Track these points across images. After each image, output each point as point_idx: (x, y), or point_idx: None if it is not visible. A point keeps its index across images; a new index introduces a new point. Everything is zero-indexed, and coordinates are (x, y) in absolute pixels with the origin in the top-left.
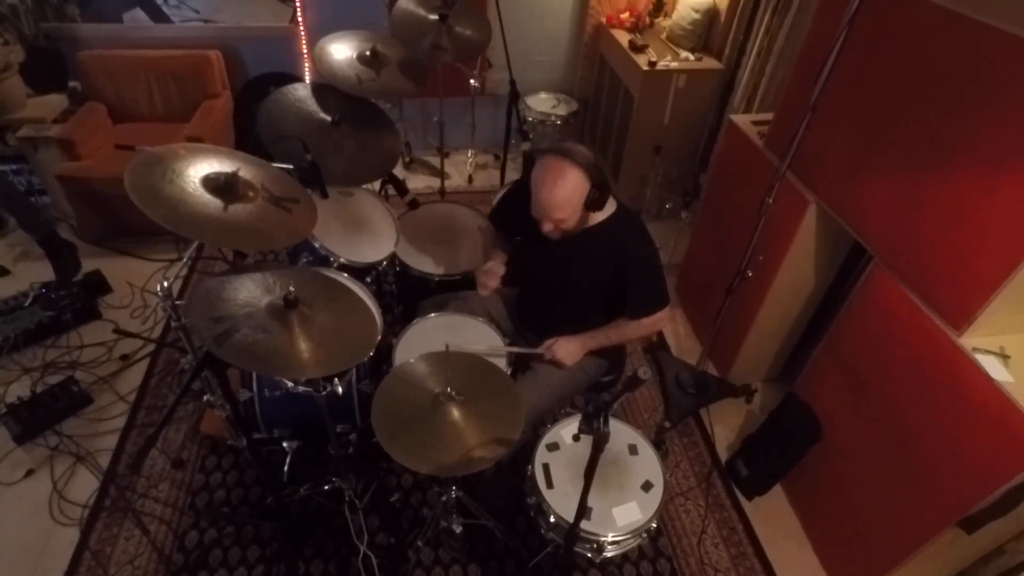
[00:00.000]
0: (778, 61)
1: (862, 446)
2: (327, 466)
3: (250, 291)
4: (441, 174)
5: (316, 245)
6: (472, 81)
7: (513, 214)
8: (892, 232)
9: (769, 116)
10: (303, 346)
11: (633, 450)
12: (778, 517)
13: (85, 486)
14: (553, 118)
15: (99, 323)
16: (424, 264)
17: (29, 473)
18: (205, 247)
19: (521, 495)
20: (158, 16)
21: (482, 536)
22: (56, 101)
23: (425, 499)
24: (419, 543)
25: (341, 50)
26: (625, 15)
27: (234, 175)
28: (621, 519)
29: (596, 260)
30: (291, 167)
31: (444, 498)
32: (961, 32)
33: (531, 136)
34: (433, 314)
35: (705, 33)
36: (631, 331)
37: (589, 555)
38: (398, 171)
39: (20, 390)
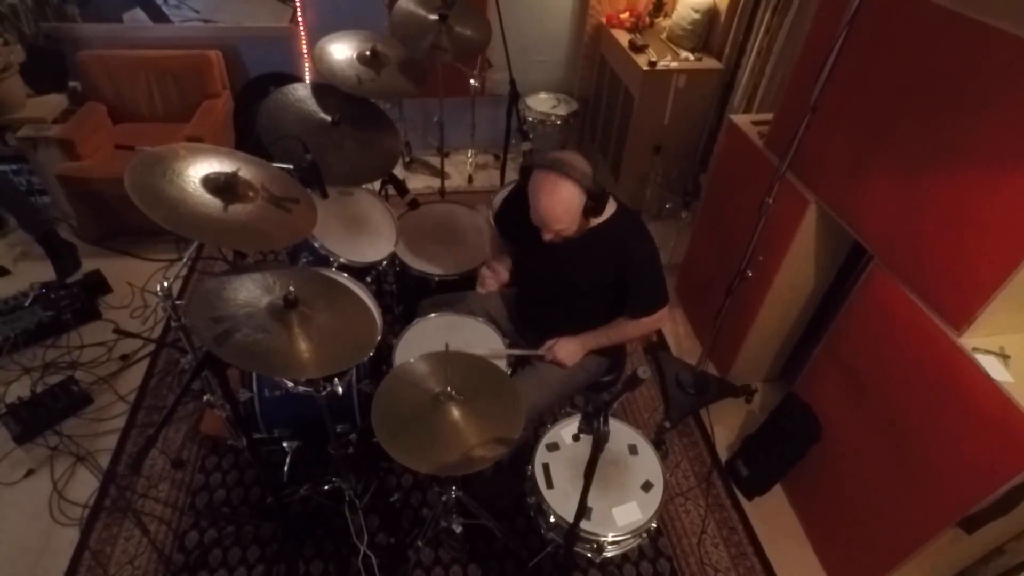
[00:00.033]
0: (778, 61)
1: (862, 446)
2: (327, 466)
3: (250, 291)
4: (441, 174)
5: (316, 245)
6: (472, 81)
7: (514, 220)
8: (892, 232)
9: (769, 116)
10: (303, 346)
11: (633, 450)
12: (778, 517)
13: (85, 486)
14: (553, 118)
15: (99, 323)
16: (424, 264)
17: (29, 473)
18: (205, 247)
19: (521, 495)
20: (158, 16)
21: (482, 536)
22: (56, 101)
23: (425, 499)
24: (419, 543)
25: (341, 50)
26: (625, 15)
27: (234, 175)
28: (621, 519)
29: (597, 260)
30: (291, 167)
31: (444, 498)
32: (962, 32)
33: (531, 136)
34: (433, 314)
35: (705, 33)
36: (631, 330)
37: (589, 555)
38: (398, 171)
39: (20, 390)
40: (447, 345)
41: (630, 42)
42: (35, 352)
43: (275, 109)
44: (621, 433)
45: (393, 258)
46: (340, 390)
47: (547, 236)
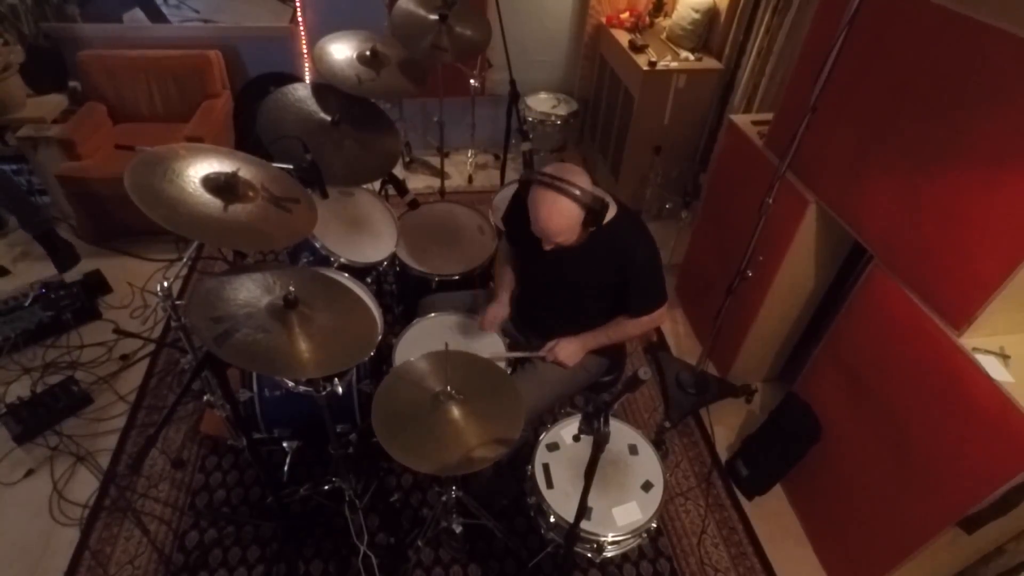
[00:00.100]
0: (778, 61)
1: (862, 446)
2: (327, 466)
3: (250, 291)
4: (441, 174)
5: (316, 245)
6: (472, 81)
7: (516, 223)
8: (892, 232)
9: (769, 116)
10: (303, 346)
11: (633, 450)
12: (778, 517)
13: (85, 486)
14: (553, 118)
15: (99, 323)
16: (424, 264)
17: (29, 473)
18: (205, 247)
19: (521, 495)
20: (156, 17)
21: (482, 536)
22: (56, 101)
23: (425, 499)
24: (419, 543)
25: (341, 50)
26: (625, 15)
27: (234, 175)
28: (621, 519)
29: (599, 263)
30: (291, 167)
31: (444, 498)
32: (961, 32)
33: (531, 136)
34: (433, 314)
35: (705, 33)
36: (631, 329)
37: (589, 555)
38: (398, 171)
39: (20, 390)
40: (447, 345)
41: (630, 42)
42: (35, 352)
43: (275, 109)
44: (621, 433)
45: (393, 258)
46: (340, 390)
47: (548, 247)
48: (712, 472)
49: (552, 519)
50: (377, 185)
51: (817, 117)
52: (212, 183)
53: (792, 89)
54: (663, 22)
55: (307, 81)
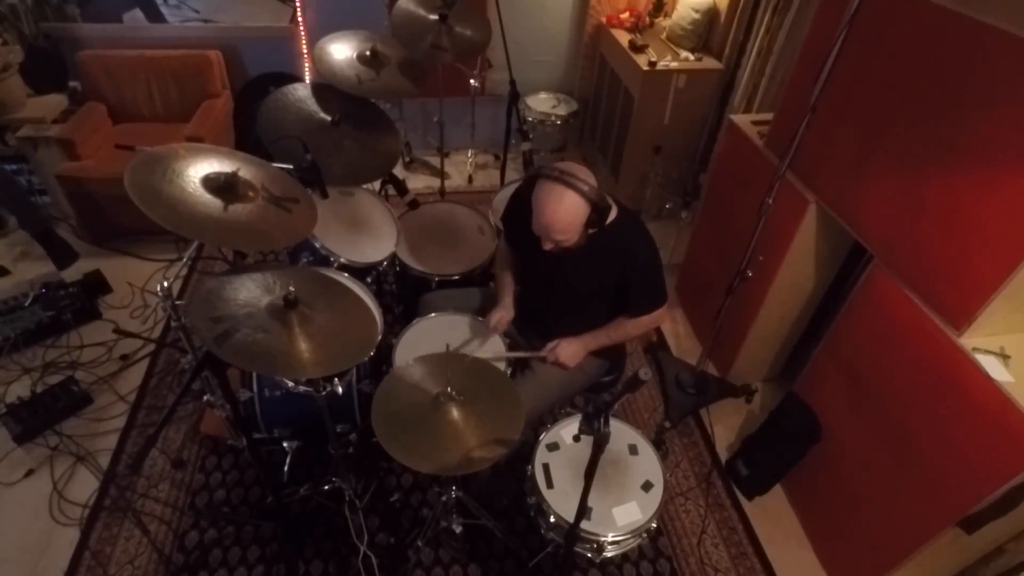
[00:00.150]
0: (778, 61)
1: (862, 446)
2: (327, 466)
3: (250, 291)
4: (441, 174)
5: (316, 245)
6: (472, 81)
7: (516, 223)
8: (892, 232)
9: (769, 116)
10: (303, 346)
11: (633, 450)
12: (778, 517)
13: (85, 486)
14: (553, 118)
15: (99, 323)
16: (424, 264)
17: (29, 473)
18: (205, 247)
19: (521, 495)
20: (156, 19)
21: (482, 536)
22: (56, 101)
23: (425, 499)
24: (419, 543)
25: (341, 50)
26: (625, 15)
27: (234, 175)
28: (621, 519)
29: (599, 263)
30: (291, 167)
31: (444, 498)
32: (961, 32)
33: (531, 136)
34: (433, 314)
35: (705, 33)
36: (631, 329)
37: (589, 555)
38: (398, 171)
39: (20, 390)
40: (447, 345)
41: (630, 42)
42: (35, 352)
43: (275, 109)
44: (621, 433)
45: (393, 258)
46: (340, 390)
47: (547, 245)
48: (712, 472)
49: (552, 519)
50: (377, 185)
51: (817, 117)
52: (212, 183)
53: (792, 89)
54: (663, 22)
55: (307, 81)
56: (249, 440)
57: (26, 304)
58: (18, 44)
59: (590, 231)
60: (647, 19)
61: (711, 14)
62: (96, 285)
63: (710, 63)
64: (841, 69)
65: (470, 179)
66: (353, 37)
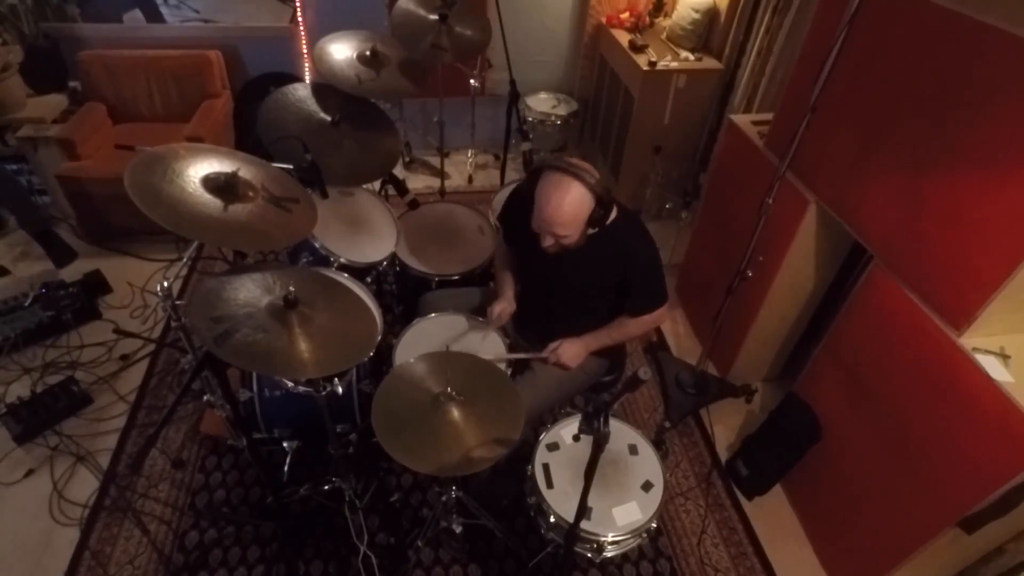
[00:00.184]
0: (778, 61)
1: (862, 446)
2: (327, 466)
3: (250, 291)
4: (441, 174)
5: (316, 245)
6: (472, 81)
7: (514, 222)
8: (892, 232)
9: (769, 116)
10: (303, 346)
11: (633, 450)
12: (778, 517)
13: (85, 486)
14: (553, 118)
15: (99, 323)
16: (424, 264)
17: (29, 473)
18: (205, 247)
19: (521, 495)
20: (155, 19)
21: (482, 536)
22: (56, 101)
23: (425, 499)
24: (419, 543)
25: (341, 50)
26: (625, 15)
27: (234, 175)
28: (621, 519)
29: (599, 264)
30: (291, 167)
31: (444, 498)
32: (961, 32)
33: (531, 136)
34: (433, 314)
35: (705, 33)
36: (633, 328)
37: (589, 555)
38: (398, 171)
39: (20, 390)
40: (447, 346)
41: (630, 42)
42: (35, 352)
43: (275, 109)
44: (621, 433)
45: (393, 258)
46: (340, 390)
47: (547, 242)
48: (712, 472)
49: (552, 519)
50: (377, 185)
51: (817, 117)
52: (212, 183)
53: (792, 89)
54: (663, 22)
55: (307, 81)
56: (249, 440)
57: (26, 304)
58: (18, 44)
59: (590, 231)
60: (647, 19)
61: (711, 14)
62: (96, 285)
63: (710, 63)
64: (841, 69)
65: (470, 179)
66: (353, 37)
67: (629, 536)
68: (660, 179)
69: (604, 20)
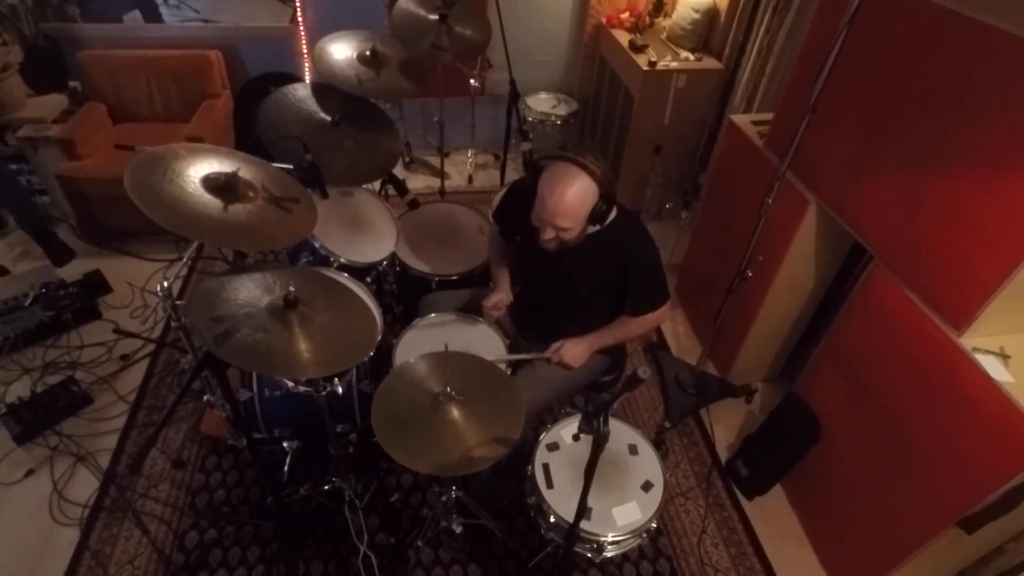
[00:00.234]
0: (778, 61)
1: (862, 446)
2: (327, 466)
3: (250, 291)
4: (441, 174)
5: (316, 245)
6: (472, 81)
7: (514, 219)
8: (892, 232)
9: (769, 116)
10: (303, 346)
11: (633, 450)
12: (778, 517)
13: (85, 486)
14: (553, 118)
15: (99, 323)
16: (424, 264)
17: (29, 473)
18: (205, 247)
19: (521, 495)
20: (154, 20)
21: (482, 536)
22: (56, 101)
23: (425, 499)
24: (419, 543)
25: (341, 50)
26: (625, 15)
27: (234, 175)
28: (621, 519)
29: (598, 263)
30: (291, 167)
31: (444, 498)
32: (961, 32)
33: (531, 136)
34: (433, 314)
35: (705, 33)
36: (635, 327)
37: (589, 555)
38: (398, 171)
39: (20, 390)
40: (447, 346)
41: (630, 42)
42: (35, 352)
43: (275, 109)
44: (621, 433)
45: (393, 258)
46: (340, 390)
47: (548, 235)
48: (712, 472)
49: (552, 519)
50: (377, 185)
51: (817, 117)
52: (212, 183)
53: (792, 89)
54: (663, 22)
55: (307, 81)
56: (249, 440)
57: (26, 304)
58: (18, 44)
59: (591, 228)
60: (647, 19)
61: (711, 14)
62: (96, 285)
63: (710, 63)
64: (841, 69)
65: (470, 179)
66: (353, 37)
67: (629, 536)
68: (660, 179)
69: (604, 20)
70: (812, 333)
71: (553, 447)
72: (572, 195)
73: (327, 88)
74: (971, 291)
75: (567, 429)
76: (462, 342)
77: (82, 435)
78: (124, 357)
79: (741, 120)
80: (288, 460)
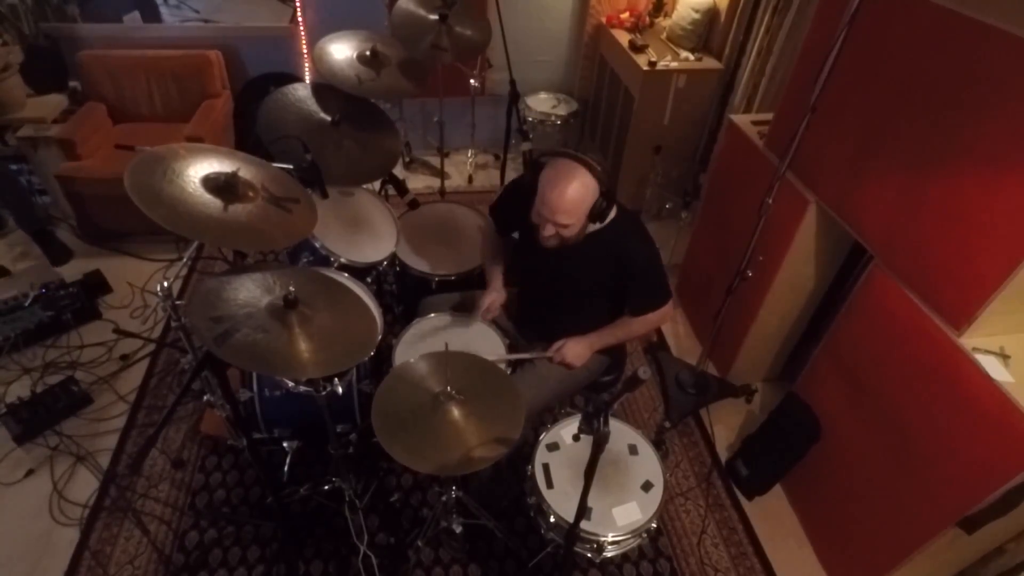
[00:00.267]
0: (778, 61)
1: (862, 446)
2: (327, 466)
3: (250, 291)
4: (441, 174)
5: (316, 245)
6: (472, 81)
7: (510, 214)
8: (892, 232)
9: (769, 116)
10: (303, 346)
11: (633, 450)
12: (778, 517)
13: (85, 486)
14: (553, 118)
15: (99, 323)
16: (424, 264)
17: (29, 473)
18: (205, 247)
19: (521, 495)
20: (153, 21)
21: (482, 536)
22: (56, 101)
23: (425, 499)
24: (419, 543)
25: (341, 50)
26: (625, 15)
27: (234, 175)
28: (621, 519)
29: (597, 262)
30: (291, 167)
31: (444, 498)
32: (961, 32)
33: (531, 136)
34: (433, 314)
35: (705, 33)
36: (637, 327)
37: (589, 555)
38: (398, 171)
39: (20, 390)
40: (447, 345)
41: (630, 42)
42: (35, 352)
43: (275, 109)
44: (621, 433)
45: (393, 258)
46: (340, 390)
47: (548, 232)
48: (712, 472)
49: (552, 519)
50: (377, 185)
51: (817, 117)
52: (212, 183)
53: (792, 89)
54: (663, 22)
55: (307, 81)
56: (249, 440)
57: (26, 304)
58: (18, 44)
59: (591, 227)
60: (647, 19)
61: (711, 14)
62: (96, 285)
63: (710, 63)
64: (841, 69)
65: (470, 179)
66: (353, 37)
67: (629, 536)
68: (660, 179)
69: (604, 20)
70: (812, 333)
71: (553, 447)
72: (573, 191)
73: (327, 88)
74: (971, 291)
75: (567, 429)
76: (462, 342)
77: (82, 435)
78: (124, 357)
79: (741, 120)
80: (288, 460)
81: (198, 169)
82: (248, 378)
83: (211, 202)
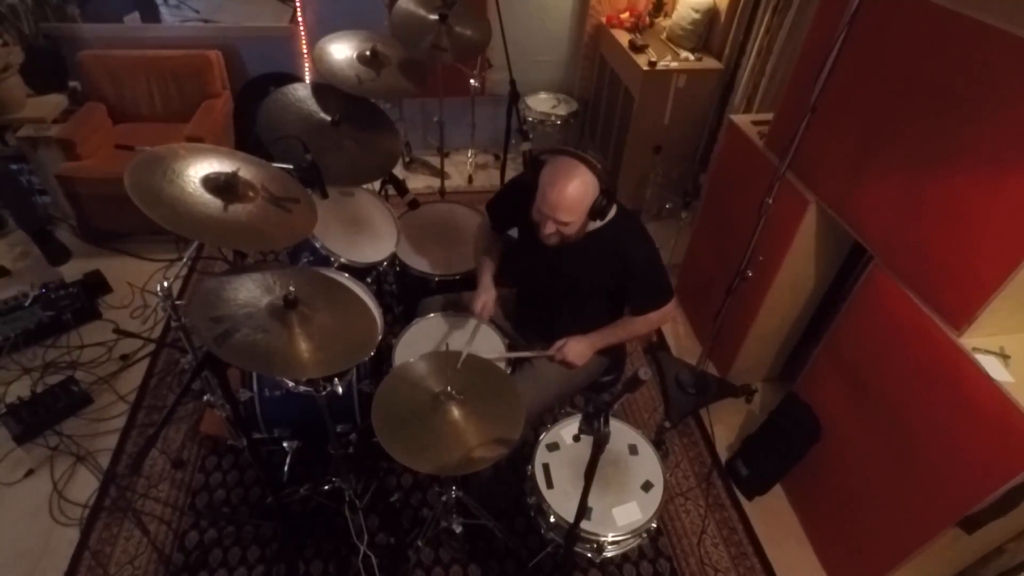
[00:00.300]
0: (778, 61)
1: (862, 446)
2: (327, 466)
3: (250, 291)
4: (441, 174)
5: (316, 245)
6: (472, 81)
7: (508, 212)
8: (892, 232)
9: (769, 116)
10: (303, 346)
11: (633, 450)
12: (778, 517)
13: (85, 486)
14: (553, 118)
15: (99, 323)
16: (424, 264)
17: (29, 473)
18: (205, 247)
19: (521, 495)
20: (153, 20)
21: (482, 536)
22: (56, 101)
23: (425, 499)
24: (419, 543)
25: (341, 50)
26: (625, 15)
27: (234, 175)
28: (621, 519)
29: (597, 261)
30: (291, 167)
31: (444, 498)
32: (961, 32)
33: (531, 136)
34: (433, 314)
35: (705, 33)
36: (639, 326)
37: (589, 555)
38: (398, 171)
39: (20, 390)
40: (447, 345)
41: (630, 42)
42: (35, 352)
43: (275, 109)
44: (621, 433)
45: (393, 258)
46: (340, 390)
47: (548, 229)
48: (712, 472)
49: (552, 519)
50: (377, 185)
51: (817, 117)
52: (212, 183)
53: (792, 89)
54: (663, 22)
55: (307, 81)
56: (249, 440)
57: (26, 304)
58: (18, 44)
59: (591, 225)
60: (647, 19)
61: (711, 14)
62: (96, 285)
63: (710, 63)
64: (841, 69)
65: (470, 179)
66: (353, 37)
67: (629, 536)
68: (660, 179)
69: (604, 20)
70: (812, 333)
71: (553, 447)
72: (573, 188)
73: (327, 88)
74: (971, 291)
75: (567, 429)
76: (462, 342)
77: (82, 435)
78: (124, 357)
79: (741, 120)
80: (288, 460)
81: (198, 169)
82: (248, 378)
83: (211, 202)
